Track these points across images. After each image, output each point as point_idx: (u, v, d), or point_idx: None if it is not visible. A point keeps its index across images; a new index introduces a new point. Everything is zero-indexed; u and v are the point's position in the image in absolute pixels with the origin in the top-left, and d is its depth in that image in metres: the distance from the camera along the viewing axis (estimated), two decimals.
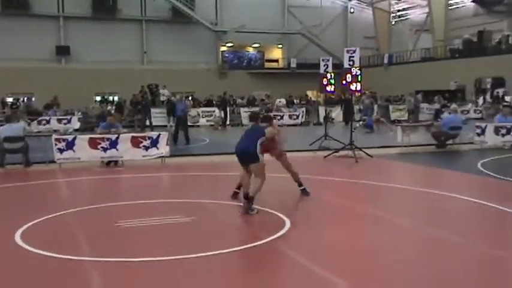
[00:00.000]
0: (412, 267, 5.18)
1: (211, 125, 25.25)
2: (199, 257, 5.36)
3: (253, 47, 42.69)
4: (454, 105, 19.31)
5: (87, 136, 12.74)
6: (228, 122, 26.94)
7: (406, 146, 14.90)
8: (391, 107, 28.73)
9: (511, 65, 30.04)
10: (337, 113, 28.89)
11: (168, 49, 38.03)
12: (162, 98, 28.13)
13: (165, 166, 12.52)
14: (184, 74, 36.16)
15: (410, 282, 4.76)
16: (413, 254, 5.68)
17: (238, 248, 5.64)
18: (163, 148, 12.72)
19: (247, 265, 5.33)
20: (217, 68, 40.46)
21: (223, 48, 41.63)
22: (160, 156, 12.74)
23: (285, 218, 6.91)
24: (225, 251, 5.52)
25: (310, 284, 4.73)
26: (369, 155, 13.35)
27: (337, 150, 13.73)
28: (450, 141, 15.58)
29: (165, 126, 24.18)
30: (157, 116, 25.60)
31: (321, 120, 26.15)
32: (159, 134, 12.90)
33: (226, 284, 4.75)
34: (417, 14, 44.83)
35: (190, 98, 29.93)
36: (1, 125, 13.39)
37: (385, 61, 38.71)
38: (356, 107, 23.88)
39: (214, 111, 26.57)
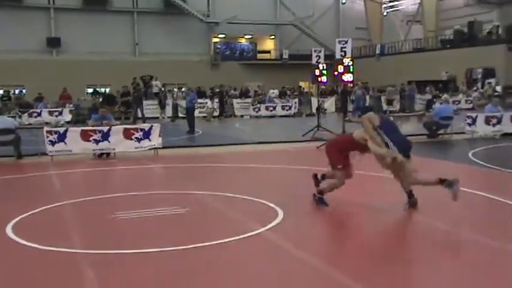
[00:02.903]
0: (410, 257, 5.24)
1: (204, 117, 25.20)
2: (193, 248, 5.39)
3: (246, 38, 42.59)
4: (445, 96, 19.42)
5: (79, 128, 12.70)
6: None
7: None
8: (383, 98, 28.80)
9: (501, 55, 30.21)
10: (329, 103, 28.96)
11: (160, 41, 37.87)
12: (154, 90, 28.07)
13: (158, 158, 12.52)
14: (176, 66, 36.03)
15: (410, 275, 4.81)
16: (409, 243, 5.74)
17: (231, 239, 5.66)
18: (156, 140, 12.72)
19: (239, 256, 5.35)
20: (209, 59, 40.34)
21: (216, 40, 41.49)
22: (152, 148, 12.74)
23: (278, 208, 6.94)
24: (218, 241, 5.54)
25: (302, 274, 4.77)
26: None
27: None
28: (442, 131, 15.69)
29: (157, 117, 24.16)
30: (149, 107, 25.57)
31: (314, 111, 26.21)
32: (151, 126, 12.88)
33: (219, 275, 4.78)
34: (409, 5, 44.85)
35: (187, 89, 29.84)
36: None
37: (377, 52, 38.78)
38: (348, 98, 23.96)
39: (206, 103, 26.53)
